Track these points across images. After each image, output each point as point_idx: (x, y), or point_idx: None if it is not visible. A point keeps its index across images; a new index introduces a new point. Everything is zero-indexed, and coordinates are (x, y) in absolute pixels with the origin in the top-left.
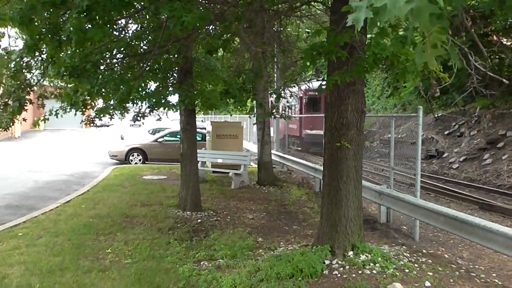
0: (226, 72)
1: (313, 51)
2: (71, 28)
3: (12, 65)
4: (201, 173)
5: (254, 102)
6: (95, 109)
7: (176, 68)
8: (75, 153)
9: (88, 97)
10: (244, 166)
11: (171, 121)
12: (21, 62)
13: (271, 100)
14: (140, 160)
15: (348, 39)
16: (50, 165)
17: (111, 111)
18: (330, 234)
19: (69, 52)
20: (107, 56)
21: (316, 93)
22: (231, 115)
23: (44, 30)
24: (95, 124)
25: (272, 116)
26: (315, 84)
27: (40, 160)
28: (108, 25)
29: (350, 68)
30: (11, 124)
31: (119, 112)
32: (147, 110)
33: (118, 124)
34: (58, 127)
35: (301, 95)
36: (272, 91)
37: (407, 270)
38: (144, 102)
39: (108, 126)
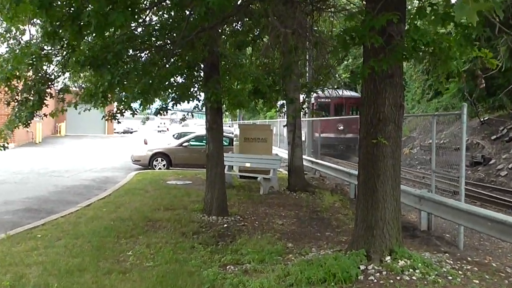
0: (256, 70)
1: (347, 35)
2: (91, 12)
3: (32, 57)
4: (228, 178)
5: (284, 101)
6: (115, 99)
7: (202, 65)
8: (97, 159)
9: (109, 89)
10: (274, 170)
11: (197, 126)
12: (41, 53)
13: (302, 97)
14: (164, 165)
15: (384, 22)
16: (71, 170)
17: (132, 102)
18: (365, 237)
19: (89, 41)
20: (129, 47)
21: (328, 99)
22: (259, 112)
23: (64, 15)
24: (117, 120)
25: (303, 112)
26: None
27: (60, 165)
28: (130, 9)
29: (387, 55)
30: (31, 118)
31: (140, 105)
32: (171, 104)
33: (142, 130)
34: (80, 133)
35: (313, 101)
36: (304, 90)
37: (450, 277)
38: (167, 93)
39: (131, 132)
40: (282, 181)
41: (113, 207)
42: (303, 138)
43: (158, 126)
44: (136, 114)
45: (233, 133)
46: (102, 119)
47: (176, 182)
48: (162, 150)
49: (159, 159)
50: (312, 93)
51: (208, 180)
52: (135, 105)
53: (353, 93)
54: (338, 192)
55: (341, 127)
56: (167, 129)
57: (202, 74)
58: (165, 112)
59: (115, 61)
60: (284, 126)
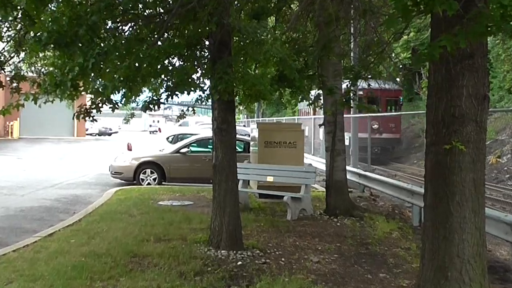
0: (281, 49)
1: None
2: None
3: None
4: (243, 197)
5: (320, 90)
6: (89, 89)
7: (208, 42)
8: (63, 171)
9: (80, 75)
10: (306, 187)
11: (199, 125)
12: None
13: (346, 85)
14: (154, 179)
15: None
16: (27, 186)
17: (112, 92)
18: (436, 281)
19: (54, 10)
20: (108, 18)
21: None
22: (285, 106)
23: None
24: (92, 118)
25: (347, 107)
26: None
27: (12, 179)
28: None
29: (466, 28)
30: None
31: (122, 97)
32: (164, 96)
33: (125, 131)
34: (39, 135)
35: (360, 92)
36: (348, 76)
37: None
38: (160, 80)
39: (110, 134)
40: (317, 201)
41: (85, 238)
42: (346, 142)
43: (150, 126)
44: (117, 109)
45: (249, 135)
46: (73, 118)
47: (172, 203)
48: (152, 158)
49: (148, 171)
50: (358, 80)
51: (216, 201)
52: (116, 97)
53: (386, 85)
54: (396, 218)
55: (376, 126)
56: (159, 129)
57: (207, 54)
58: (156, 107)
59: (89, 37)
60: (320, 125)
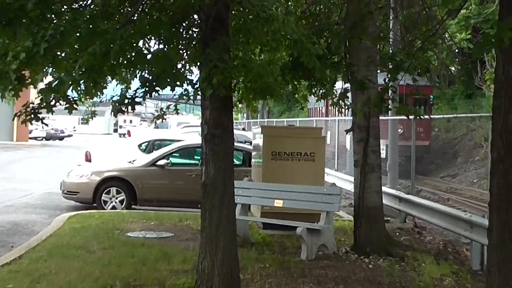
0: (296, 27)
1: None
2: None
3: None
4: (242, 228)
5: (348, 83)
6: (38, 88)
7: (198, 19)
8: None
9: (28, 64)
10: (328, 215)
11: (183, 128)
12: None
13: (384, 79)
14: (122, 201)
15: None
16: None
17: (70, 87)
18: None
19: None
20: None
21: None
22: (300, 104)
23: None
24: (41, 121)
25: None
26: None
27: None
28: None
29: None
30: None
31: (82, 93)
32: (140, 92)
33: (82, 134)
34: None
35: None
36: (388, 63)
37: None
38: (134, 71)
39: (61, 138)
40: (342, 234)
41: (27, 282)
42: (382, 154)
43: (121, 127)
44: (75, 109)
45: (250, 143)
46: (13, 119)
47: (145, 235)
48: (118, 173)
49: (113, 190)
50: (400, 71)
51: (206, 232)
52: (74, 92)
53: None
54: (449, 258)
55: (400, 131)
56: (128, 133)
57: (197, 34)
58: (130, 108)
59: (39, 12)
60: (347, 131)
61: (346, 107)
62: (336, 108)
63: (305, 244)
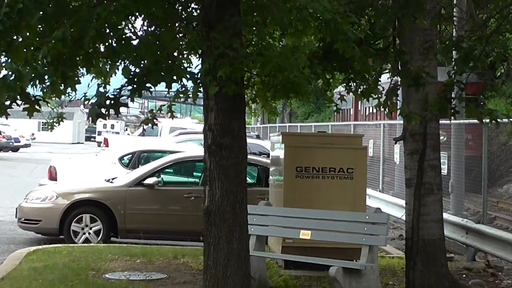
0: (328, 3)
1: None
2: None
3: None
4: (257, 267)
5: (398, 78)
6: None
7: None
8: None
9: None
10: (372, 250)
11: (178, 136)
12: None
13: (449, 72)
14: (98, 232)
15: None
16: None
17: (30, 83)
18: None
19: None
20: None
21: None
22: (332, 104)
23: None
24: None
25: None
26: None
27: None
28: None
29: None
30: None
31: (49, 90)
32: (126, 90)
33: (44, 145)
34: None
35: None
36: (456, 51)
37: None
38: (116, 62)
39: (16, 148)
40: (390, 276)
41: None
42: (443, 171)
43: (100, 134)
44: (38, 111)
45: (268, 155)
46: None
47: (129, 277)
48: (93, 195)
49: (87, 217)
50: (469, 62)
51: (209, 273)
52: (35, 90)
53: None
54: None
55: (443, 138)
56: (105, 141)
57: (198, 13)
58: (113, 111)
59: None
60: (396, 140)
61: (391, 111)
62: (385, 111)
63: None
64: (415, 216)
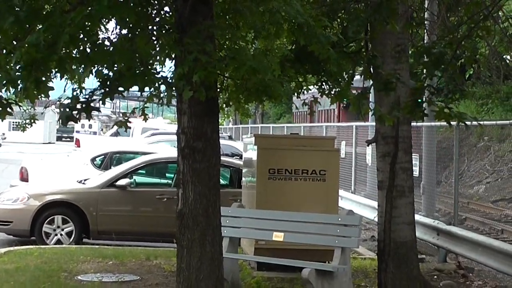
0: (301, 5)
1: None
2: None
3: None
4: (230, 269)
5: (370, 81)
6: None
7: None
8: None
9: None
10: (344, 252)
11: (149, 136)
12: None
13: (423, 77)
14: (70, 233)
15: None
16: None
17: (2, 88)
18: None
19: None
20: None
21: None
22: (312, 112)
23: None
24: None
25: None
26: None
27: None
28: None
29: None
30: None
31: (22, 95)
32: (97, 95)
33: (14, 145)
34: None
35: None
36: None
37: None
38: (90, 66)
39: None
40: (362, 277)
41: None
42: (415, 172)
43: (78, 132)
44: (10, 114)
45: (240, 156)
46: None
47: (101, 278)
48: (65, 196)
49: (58, 218)
50: (439, 66)
51: (182, 276)
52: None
53: None
54: None
55: None
56: (76, 142)
57: (170, 17)
58: (85, 114)
59: None
60: (368, 142)
61: (366, 112)
62: (360, 113)
63: None
64: (387, 218)
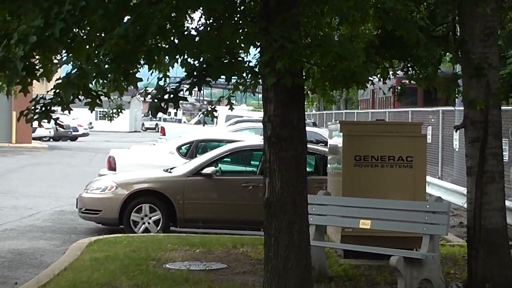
0: None
1: None
2: None
3: None
4: (317, 257)
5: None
6: (54, 83)
7: None
8: None
9: (39, 49)
10: (432, 240)
11: (234, 125)
12: None
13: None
14: (157, 222)
15: None
16: None
17: (95, 79)
18: None
19: None
20: None
21: None
22: (401, 94)
23: None
24: (55, 123)
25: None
26: None
27: None
28: None
29: None
30: None
31: (112, 86)
32: (186, 85)
33: (101, 134)
34: None
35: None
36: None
37: None
38: (174, 56)
39: (75, 138)
40: (451, 265)
41: None
42: (505, 158)
43: (165, 120)
44: (99, 105)
45: (326, 143)
46: (18, 119)
47: (189, 266)
48: (152, 185)
49: (146, 207)
50: None
51: (271, 265)
52: (97, 85)
53: None
54: None
55: None
56: (162, 130)
57: (254, 6)
58: (173, 105)
59: None
60: (456, 128)
61: (455, 97)
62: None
63: (402, 279)
64: (477, 205)
